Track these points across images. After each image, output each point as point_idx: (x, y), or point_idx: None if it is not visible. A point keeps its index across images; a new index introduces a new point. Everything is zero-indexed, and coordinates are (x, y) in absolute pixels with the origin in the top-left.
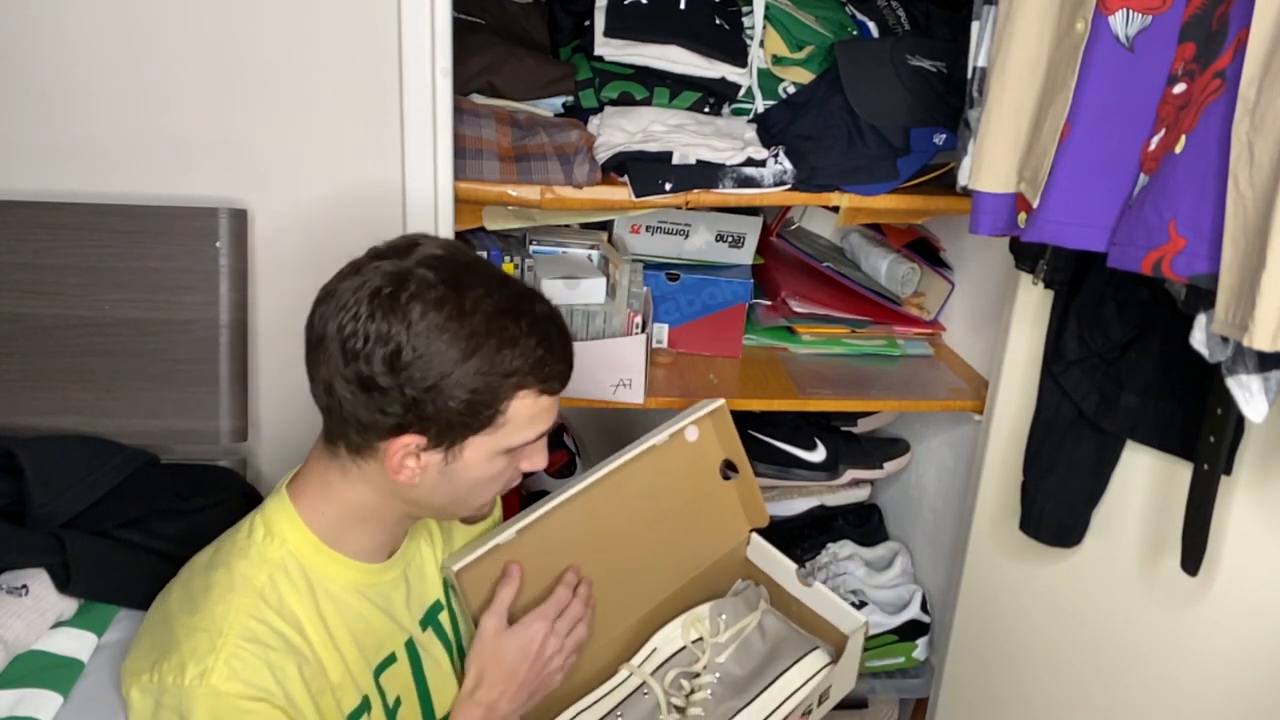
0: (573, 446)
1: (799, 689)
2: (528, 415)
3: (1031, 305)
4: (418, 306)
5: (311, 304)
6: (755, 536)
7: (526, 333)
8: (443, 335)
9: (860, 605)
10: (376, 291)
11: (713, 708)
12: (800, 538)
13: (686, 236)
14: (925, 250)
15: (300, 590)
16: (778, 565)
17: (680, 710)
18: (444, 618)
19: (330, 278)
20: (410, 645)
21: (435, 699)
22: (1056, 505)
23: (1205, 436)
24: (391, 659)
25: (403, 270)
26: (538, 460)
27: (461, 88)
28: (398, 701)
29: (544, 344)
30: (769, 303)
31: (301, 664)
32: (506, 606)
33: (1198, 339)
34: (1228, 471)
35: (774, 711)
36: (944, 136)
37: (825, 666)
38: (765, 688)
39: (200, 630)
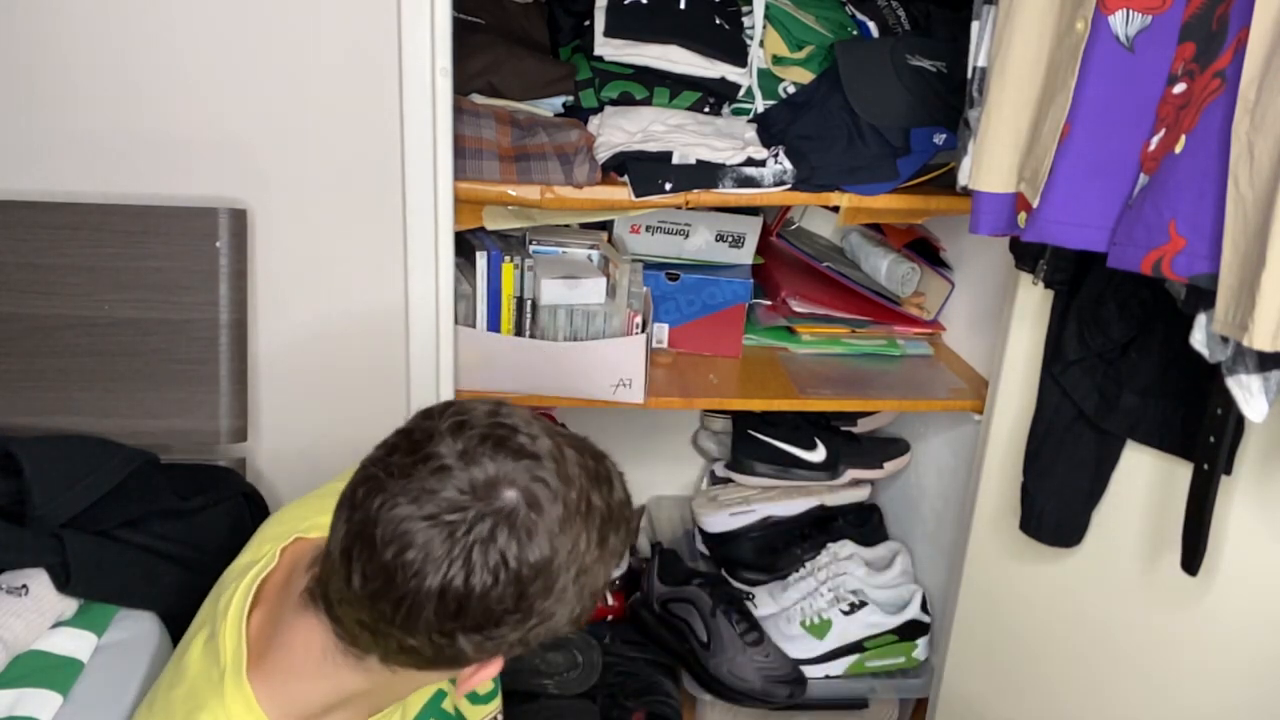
0: None
1: None
2: None
3: (1031, 305)
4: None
5: (396, 547)
6: None
7: None
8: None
9: (860, 605)
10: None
11: None
12: (800, 538)
13: (686, 236)
14: (925, 250)
15: None
16: None
17: None
18: (447, 704)
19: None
20: None
21: None
22: (1056, 505)
23: (1205, 436)
24: None
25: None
26: None
27: (461, 88)
28: None
29: None
30: (769, 303)
31: None
32: None
33: (1198, 339)
34: (1228, 471)
35: None
36: (944, 136)
37: None
38: None
39: None
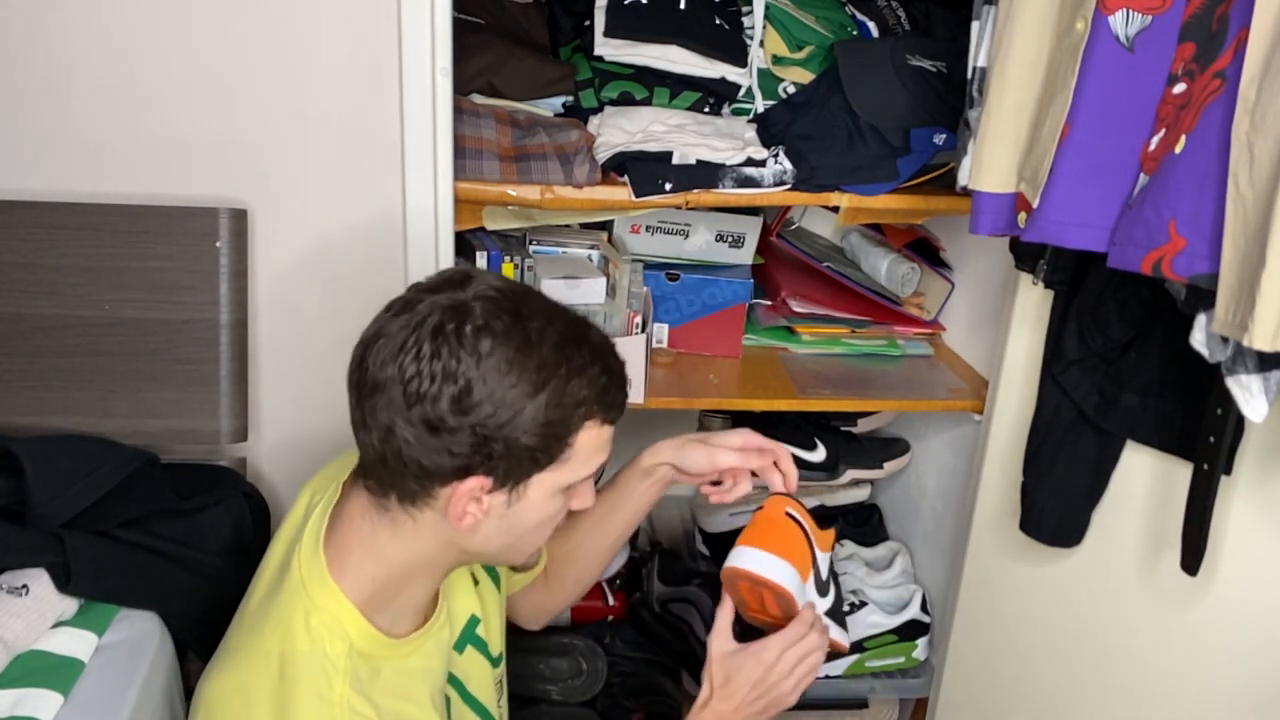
0: None
1: None
2: (591, 448)
3: (1031, 305)
4: (485, 340)
5: (356, 347)
6: None
7: (590, 360)
8: (513, 369)
9: (860, 605)
10: (439, 328)
11: None
12: None
13: (686, 236)
14: (925, 250)
15: (377, 678)
16: None
17: None
18: (480, 629)
19: (373, 319)
20: (451, 679)
21: (485, 705)
22: (1056, 505)
23: (1205, 436)
24: (448, 700)
25: (461, 303)
26: (587, 497)
27: (461, 88)
28: None
29: (606, 371)
30: (769, 303)
31: None
32: (728, 626)
33: (1198, 339)
34: (1228, 471)
35: None
36: (944, 136)
37: None
38: None
39: None
